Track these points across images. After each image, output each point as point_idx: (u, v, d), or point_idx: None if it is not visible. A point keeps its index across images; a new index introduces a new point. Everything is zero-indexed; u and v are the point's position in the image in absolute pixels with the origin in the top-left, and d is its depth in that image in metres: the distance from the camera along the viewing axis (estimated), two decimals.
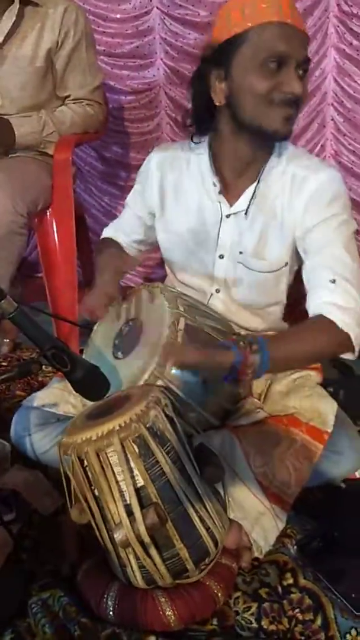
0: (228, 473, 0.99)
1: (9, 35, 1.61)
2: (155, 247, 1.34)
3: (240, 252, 1.16)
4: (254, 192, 1.12)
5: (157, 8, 2.21)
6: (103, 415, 0.89)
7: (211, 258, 1.19)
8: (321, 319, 1.01)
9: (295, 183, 1.09)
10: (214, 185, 1.14)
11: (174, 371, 0.96)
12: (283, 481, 1.03)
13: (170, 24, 2.22)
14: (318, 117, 2.24)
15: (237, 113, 1.04)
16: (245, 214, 1.13)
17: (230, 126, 1.08)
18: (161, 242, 1.27)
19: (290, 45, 0.98)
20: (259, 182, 1.11)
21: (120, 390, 0.98)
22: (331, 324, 1.00)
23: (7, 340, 1.93)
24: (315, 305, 1.04)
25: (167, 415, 0.87)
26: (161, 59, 2.29)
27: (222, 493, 0.97)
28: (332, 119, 2.24)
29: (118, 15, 2.25)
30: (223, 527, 0.92)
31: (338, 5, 2.09)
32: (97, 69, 1.80)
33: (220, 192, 1.14)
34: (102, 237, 1.39)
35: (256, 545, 1.00)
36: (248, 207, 1.12)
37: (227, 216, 1.15)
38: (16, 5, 1.59)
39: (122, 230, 1.35)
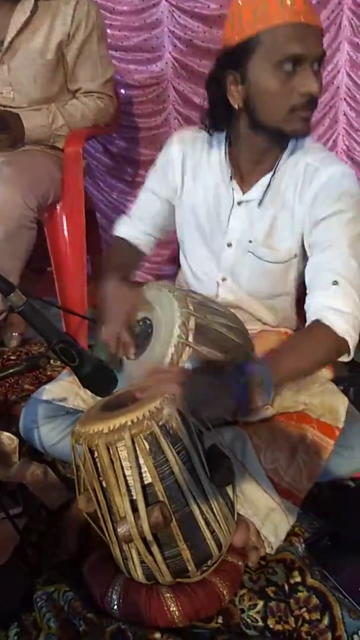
0: (238, 469, 0.99)
1: (21, 29, 1.61)
2: (165, 241, 1.33)
3: (250, 241, 1.16)
4: (269, 182, 1.11)
5: (166, 0, 2.16)
6: (118, 407, 0.88)
7: (219, 245, 1.20)
8: (318, 326, 0.99)
9: (308, 174, 1.09)
10: (227, 171, 1.15)
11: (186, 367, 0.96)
12: (294, 477, 1.02)
13: (179, 16, 2.17)
14: (330, 112, 2.21)
15: (255, 115, 1.05)
16: (259, 204, 1.13)
17: (247, 125, 1.08)
18: (177, 221, 1.28)
19: (305, 45, 0.97)
20: (274, 172, 1.11)
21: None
22: (329, 330, 0.98)
23: (16, 334, 1.93)
24: (314, 308, 1.02)
25: (181, 414, 0.86)
26: (169, 53, 2.24)
27: (231, 496, 0.96)
28: (345, 114, 2.21)
29: (125, 8, 2.19)
30: (229, 531, 0.92)
31: None
32: (108, 62, 1.79)
33: (232, 179, 1.15)
34: (115, 234, 1.35)
35: (267, 542, 0.99)
36: (262, 198, 1.12)
37: (239, 203, 1.16)
38: (30, 0, 1.59)
39: (139, 217, 1.32)
